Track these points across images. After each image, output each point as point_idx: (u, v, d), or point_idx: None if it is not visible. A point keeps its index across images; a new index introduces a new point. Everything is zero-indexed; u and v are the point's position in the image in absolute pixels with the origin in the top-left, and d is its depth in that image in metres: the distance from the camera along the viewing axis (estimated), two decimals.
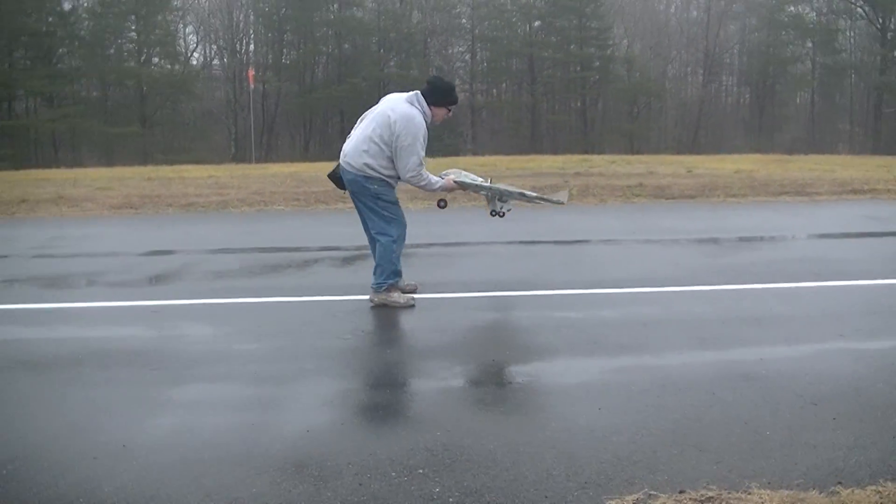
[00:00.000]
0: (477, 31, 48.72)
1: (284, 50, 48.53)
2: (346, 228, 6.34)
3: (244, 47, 49.23)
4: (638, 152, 44.87)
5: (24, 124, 41.45)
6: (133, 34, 45.33)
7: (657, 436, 3.86)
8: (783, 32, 50.50)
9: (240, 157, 46.58)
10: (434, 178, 6.09)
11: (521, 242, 9.19)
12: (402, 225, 6.19)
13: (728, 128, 51.86)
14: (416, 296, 6.44)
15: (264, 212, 12.37)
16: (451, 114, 6.22)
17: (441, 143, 41.70)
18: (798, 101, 54.76)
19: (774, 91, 51.15)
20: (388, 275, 6.20)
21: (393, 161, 5.93)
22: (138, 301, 6.64)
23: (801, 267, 7.51)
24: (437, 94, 6.07)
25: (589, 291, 6.75)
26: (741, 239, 9.43)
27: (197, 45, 49.68)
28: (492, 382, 4.71)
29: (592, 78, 49.13)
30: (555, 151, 38.65)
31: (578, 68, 48.80)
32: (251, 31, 49.13)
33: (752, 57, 51.38)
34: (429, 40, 48.23)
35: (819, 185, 13.97)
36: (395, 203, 6.17)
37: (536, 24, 49.74)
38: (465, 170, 6.61)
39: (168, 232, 10.73)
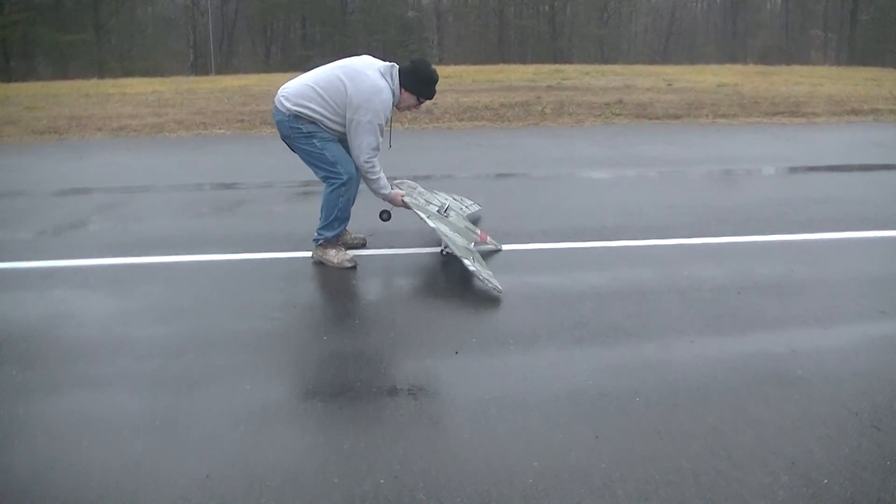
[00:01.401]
0: None
1: None
2: (294, 158, 5.14)
3: None
4: (609, 61, 43.63)
5: None
6: None
7: (677, 485, 2.83)
8: None
9: (199, 64, 44.66)
10: (385, 181, 5.11)
11: (488, 176, 8.06)
12: (351, 163, 5.05)
13: (700, 34, 50.54)
14: (362, 252, 5.35)
15: (202, 137, 11.10)
16: (418, 108, 5.25)
17: (406, 49, 40.03)
18: (769, 6, 53.35)
19: None
20: (329, 224, 5.14)
21: (341, 120, 4.95)
22: (28, 262, 5.45)
23: (816, 211, 6.48)
24: (416, 81, 5.07)
25: (569, 245, 5.69)
26: (742, 173, 8.35)
27: None
28: (452, 395, 3.62)
29: None
30: (523, 60, 37.25)
31: None
32: None
33: None
34: None
35: (814, 104, 12.89)
36: (335, 141, 5.05)
37: None
38: (420, 186, 5.77)
39: (89, 164, 9.45)
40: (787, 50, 44.76)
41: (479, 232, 5.75)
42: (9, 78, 26.63)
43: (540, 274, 5.08)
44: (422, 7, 50.72)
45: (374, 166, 5.00)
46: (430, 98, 5.24)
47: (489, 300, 4.67)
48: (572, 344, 4.02)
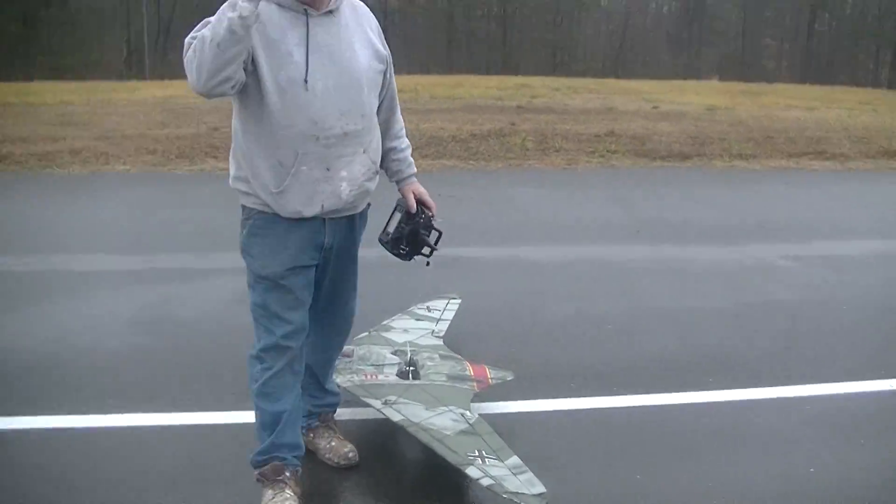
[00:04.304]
0: None
1: None
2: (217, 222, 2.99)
3: None
4: (562, 65, 41.87)
5: None
6: None
7: None
8: None
9: (133, 62, 41.75)
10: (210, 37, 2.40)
11: (470, 260, 5.87)
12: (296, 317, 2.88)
13: (653, 41, 49.18)
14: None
15: (98, 175, 8.71)
16: None
17: None
18: (724, 13, 52.21)
19: (705, 3, 48.32)
20: (258, 426, 2.93)
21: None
22: None
23: None
24: None
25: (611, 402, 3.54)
26: (848, 258, 6.29)
27: None
28: None
29: None
30: (472, 64, 35.30)
31: None
32: None
33: None
34: None
35: (837, 141, 10.96)
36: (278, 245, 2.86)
37: None
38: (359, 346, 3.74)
39: None
40: (745, 61, 43.49)
41: (470, 371, 3.64)
42: None
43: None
44: (369, 5, 48.42)
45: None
46: None
47: None
48: None
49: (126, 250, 6.04)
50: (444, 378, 3.57)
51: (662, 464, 3.38)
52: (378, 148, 2.90)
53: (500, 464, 3.00)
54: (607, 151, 10.13)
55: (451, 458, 2.99)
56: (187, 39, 2.48)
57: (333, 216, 2.77)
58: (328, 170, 2.68)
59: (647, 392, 4.00)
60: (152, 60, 41.99)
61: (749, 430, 3.68)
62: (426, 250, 3.09)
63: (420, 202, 3.07)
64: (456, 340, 4.02)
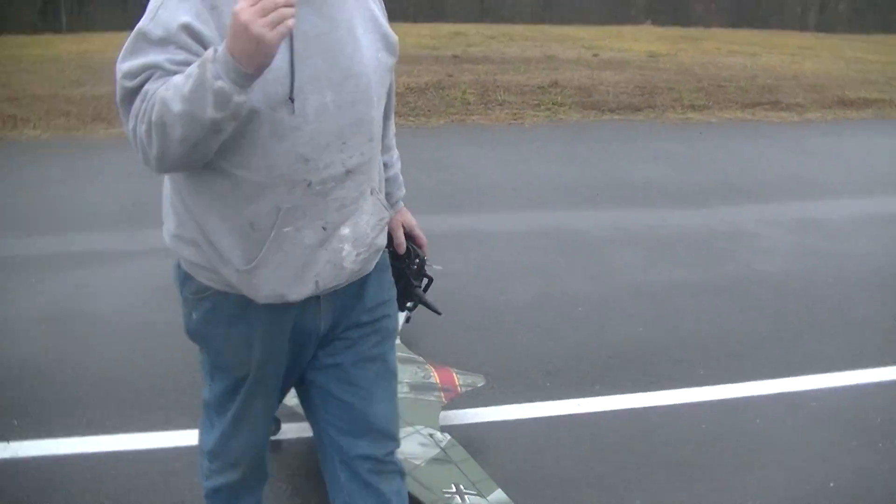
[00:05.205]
0: None
1: None
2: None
3: None
4: (491, 10, 41.06)
5: None
6: None
7: None
8: None
9: (49, 13, 39.71)
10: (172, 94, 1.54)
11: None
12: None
13: None
14: None
15: (4, 142, 7.86)
16: None
17: None
18: None
19: None
20: None
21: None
22: None
23: None
24: None
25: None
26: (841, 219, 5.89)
27: None
28: None
29: None
30: (399, 10, 34.31)
31: None
32: None
33: None
34: None
35: (790, 90, 10.60)
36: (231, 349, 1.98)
37: None
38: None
39: None
40: (672, 2, 43.24)
41: (435, 377, 3.19)
42: None
43: None
44: None
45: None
46: None
47: None
48: None
49: (34, 230, 5.31)
50: (406, 389, 3.09)
51: (663, 483, 2.96)
52: (383, 179, 1.99)
53: (483, 500, 2.58)
54: (553, 104, 9.59)
55: (424, 496, 2.55)
56: (126, 83, 1.58)
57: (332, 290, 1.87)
58: (324, 228, 1.75)
59: (633, 391, 3.59)
60: (69, 11, 40.01)
61: (752, 435, 3.28)
62: (410, 304, 2.17)
63: (409, 238, 2.15)
64: (410, 333, 3.49)
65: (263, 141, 1.64)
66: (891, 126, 9.22)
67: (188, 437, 2.90)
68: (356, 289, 1.91)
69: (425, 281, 2.17)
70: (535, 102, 9.68)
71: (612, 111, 9.44)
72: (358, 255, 1.82)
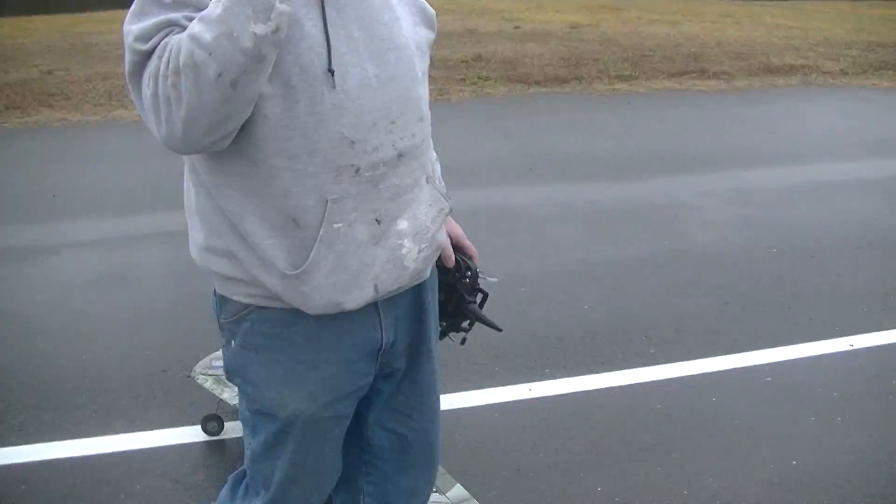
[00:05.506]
0: None
1: None
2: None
3: None
4: None
5: None
6: None
7: None
8: None
9: None
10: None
11: None
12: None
13: None
14: None
15: None
16: None
17: None
18: None
19: None
20: None
21: None
22: None
23: None
24: None
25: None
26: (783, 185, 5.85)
27: None
28: None
29: None
30: None
31: None
32: None
33: None
34: None
35: (716, 58, 10.62)
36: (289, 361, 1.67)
37: None
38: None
39: None
40: None
41: None
42: None
43: None
44: None
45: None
46: None
47: None
48: None
49: None
50: None
51: (623, 466, 2.86)
52: (438, 168, 1.82)
53: (443, 498, 2.47)
54: (479, 78, 9.44)
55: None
56: (138, 46, 1.32)
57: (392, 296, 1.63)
58: (378, 222, 1.52)
59: (585, 372, 3.48)
60: None
61: (709, 414, 3.19)
62: (466, 323, 1.90)
63: (457, 249, 1.86)
64: None
65: (302, 122, 1.41)
66: (818, 92, 9.30)
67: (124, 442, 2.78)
68: (414, 299, 1.69)
69: (479, 296, 1.91)
70: (461, 77, 9.52)
71: (538, 84, 9.33)
72: (420, 251, 1.59)
